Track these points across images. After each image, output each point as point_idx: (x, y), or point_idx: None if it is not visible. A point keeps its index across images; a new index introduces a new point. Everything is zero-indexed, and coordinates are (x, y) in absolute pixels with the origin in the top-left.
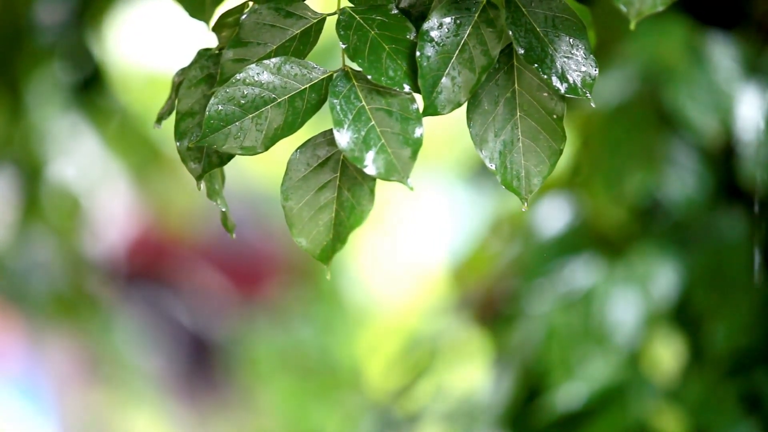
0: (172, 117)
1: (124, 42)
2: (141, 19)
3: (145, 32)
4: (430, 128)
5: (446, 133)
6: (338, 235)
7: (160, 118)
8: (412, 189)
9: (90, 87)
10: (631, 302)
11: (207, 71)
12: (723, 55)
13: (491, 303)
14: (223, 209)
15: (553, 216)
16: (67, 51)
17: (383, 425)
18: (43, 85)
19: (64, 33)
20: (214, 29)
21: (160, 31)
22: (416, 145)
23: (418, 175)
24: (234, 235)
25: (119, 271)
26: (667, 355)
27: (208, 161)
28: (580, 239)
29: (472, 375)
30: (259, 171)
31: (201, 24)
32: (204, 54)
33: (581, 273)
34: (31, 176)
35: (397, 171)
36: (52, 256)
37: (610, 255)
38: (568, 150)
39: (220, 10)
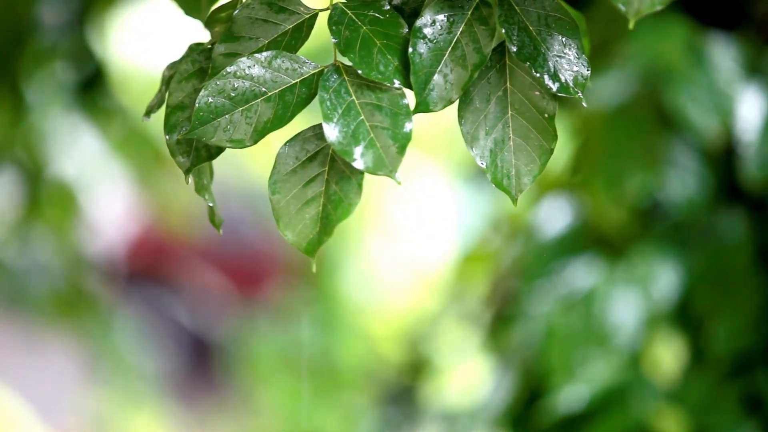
0: (162, 110)
1: (125, 42)
2: (142, 20)
3: (147, 33)
4: (430, 128)
5: (446, 133)
6: (324, 228)
7: (149, 111)
8: (399, 183)
9: (91, 87)
10: (631, 303)
11: (198, 65)
12: (723, 55)
13: (492, 303)
14: (211, 204)
15: (554, 216)
16: (68, 51)
17: (383, 425)
18: (45, 85)
19: (65, 33)
20: (206, 24)
21: (161, 31)
22: (405, 139)
23: (417, 174)
24: (221, 231)
25: (119, 271)
26: (668, 356)
27: (197, 155)
28: (581, 240)
29: (473, 375)
30: (260, 171)
31: (196, 22)
32: (195, 48)
33: (582, 274)
34: (32, 176)
35: (386, 165)
36: (52, 255)
37: (610, 256)
38: (569, 150)
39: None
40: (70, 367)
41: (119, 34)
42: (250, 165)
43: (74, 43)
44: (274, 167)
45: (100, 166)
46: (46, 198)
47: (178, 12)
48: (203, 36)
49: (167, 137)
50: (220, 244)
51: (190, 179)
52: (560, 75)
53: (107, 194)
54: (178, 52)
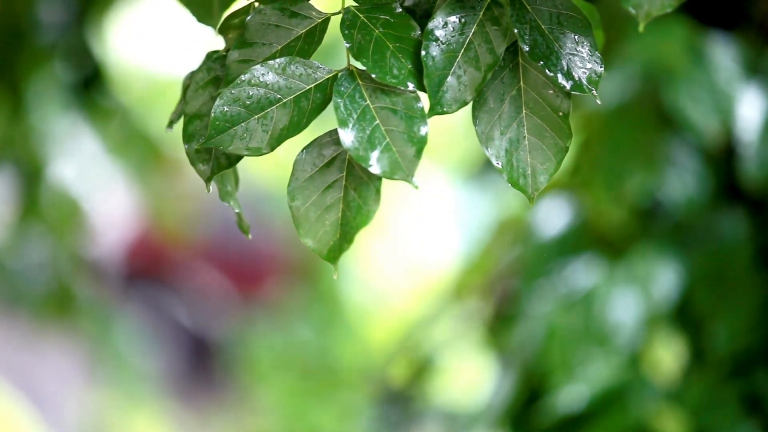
0: (182, 120)
1: (124, 42)
2: (142, 19)
3: (146, 32)
4: (432, 130)
5: (448, 134)
6: (345, 235)
7: (171, 122)
8: (417, 188)
9: (90, 87)
10: (631, 303)
11: (214, 73)
12: (724, 55)
13: (492, 303)
14: (237, 210)
15: (554, 216)
16: (67, 51)
17: (383, 425)
18: (44, 85)
19: (64, 33)
20: (220, 31)
21: (160, 31)
22: (421, 143)
23: (421, 176)
24: (250, 236)
25: (119, 271)
26: (667, 356)
27: (217, 163)
28: (581, 240)
29: (473, 375)
30: (260, 171)
31: (208, 29)
32: (211, 56)
33: (582, 273)
34: (31, 176)
35: (402, 169)
36: (51, 256)
37: (610, 255)
38: (570, 150)
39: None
40: (70, 367)
41: (118, 34)
42: (250, 166)
43: (73, 42)
44: (293, 174)
45: (99, 166)
46: (45, 198)
47: (191, 18)
48: (216, 41)
49: (186, 146)
50: (219, 244)
51: (212, 187)
52: (574, 73)
53: (107, 194)
54: (196, 61)
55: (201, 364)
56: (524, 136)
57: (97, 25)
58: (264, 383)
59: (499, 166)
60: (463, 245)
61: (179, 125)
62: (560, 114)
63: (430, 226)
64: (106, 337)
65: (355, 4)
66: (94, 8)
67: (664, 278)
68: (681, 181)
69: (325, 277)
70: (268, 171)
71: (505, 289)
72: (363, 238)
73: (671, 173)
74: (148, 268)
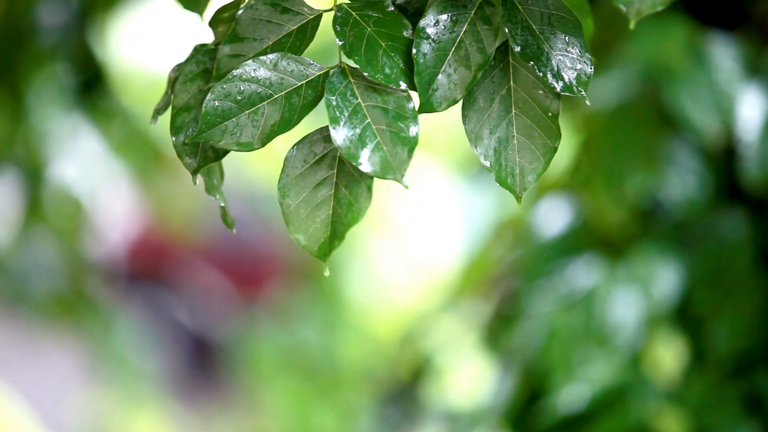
0: (169, 112)
1: (126, 43)
2: (143, 21)
3: (147, 34)
4: (432, 127)
5: (448, 132)
6: (336, 232)
7: (156, 113)
8: (407, 187)
9: (92, 88)
10: (632, 303)
11: (203, 66)
12: (724, 55)
13: (492, 303)
14: (222, 204)
15: (554, 216)
16: (69, 52)
17: (384, 424)
18: (45, 87)
19: (66, 34)
20: (210, 24)
21: (161, 32)
22: (412, 143)
23: (420, 174)
24: (234, 231)
25: (120, 271)
26: (668, 356)
27: (204, 156)
28: (581, 240)
29: (473, 375)
30: (261, 170)
31: (195, 17)
32: (200, 49)
33: (582, 273)
34: (33, 177)
35: (393, 169)
36: (53, 256)
37: (611, 255)
38: (570, 150)
39: (216, 4)
40: (71, 368)
41: (119, 36)
42: (250, 166)
43: (74, 44)
44: (283, 170)
45: (100, 167)
46: (47, 199)
47: (177, 6)
48: (206, 36)
49: (174, 138)
50: (221, 244)
51: (198, 180)
52: (563, 74)
53: (108, 195)
54: (182, 54)
55: (202, 365)
56: (513, 136)
57: (98, 27)
58: (266, 383)
59: (488, 165)
60: (464, 244)
61: (164, 118)
62: (549, 114)
63: (432, 225)
64: (108, 336)
65: (348, 1)
66: (96, 10)
67: (665, 278)
68: (681, 181)
69: (326, 277)
70: (270, 171)
71: (505, 289)
72: (364, 237)
73: (671, 173)
74: (149, 268)
